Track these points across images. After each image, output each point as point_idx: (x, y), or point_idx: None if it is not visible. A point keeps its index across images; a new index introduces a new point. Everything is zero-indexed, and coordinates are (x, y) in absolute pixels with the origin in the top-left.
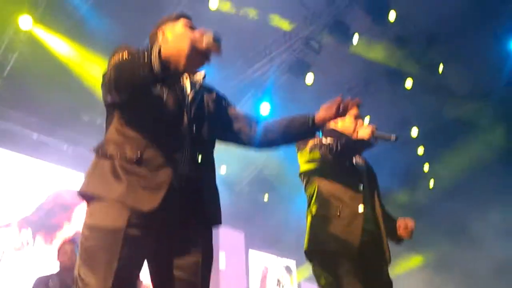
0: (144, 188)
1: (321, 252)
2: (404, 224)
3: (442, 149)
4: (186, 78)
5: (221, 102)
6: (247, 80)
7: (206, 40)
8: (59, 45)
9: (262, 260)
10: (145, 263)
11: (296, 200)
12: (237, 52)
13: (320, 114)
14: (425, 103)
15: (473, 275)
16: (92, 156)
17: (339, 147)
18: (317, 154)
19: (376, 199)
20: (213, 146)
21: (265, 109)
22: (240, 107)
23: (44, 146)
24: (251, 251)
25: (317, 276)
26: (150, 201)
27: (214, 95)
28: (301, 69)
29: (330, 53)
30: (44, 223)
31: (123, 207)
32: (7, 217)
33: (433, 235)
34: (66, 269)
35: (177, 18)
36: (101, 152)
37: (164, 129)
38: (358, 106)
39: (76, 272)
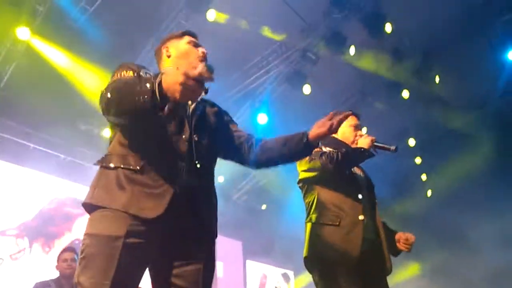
0: (148, 196)
1: (320, 260)
2: (404, 237)
3: (438, 160)
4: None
5: (223, 117)
6: (244, 90)
7: (199, 70)
8: (56, 56)
9: (259, 269)
10: (147, 271)
11: (294, 209)
12: (234, 63)
13: (314, 131)
14: (421, 114)
15: (469, 283)
16: (88, 166)
17: (339, 157)
18: (317, 163)
19: (376, 209)
20: (214, 158)
21: (262, 120)
22: (237, 118)
23: (40, 156)
24: (248, 261)
25: (316, 284)
26: (154, 209)
27: (216, 109)
28: (298, 80)
29: (327, 65)
30: (42, 231)
31: (123, 216)
32: (3, 225)
33: (430, 244)
34: (65, 277)
35: (182, 35)
36: (105, 164)
37: (166, 140)
38: (357, 116)
39: (75, 279)
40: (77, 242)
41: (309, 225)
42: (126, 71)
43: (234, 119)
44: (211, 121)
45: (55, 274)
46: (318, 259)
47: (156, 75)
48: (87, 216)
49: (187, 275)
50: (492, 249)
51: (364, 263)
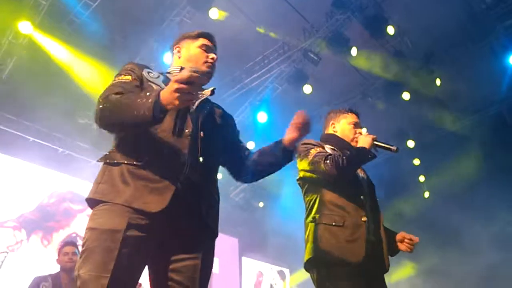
0: (151, 191)
1: (325, 262)
2: (409, 237)
3: (436, 161)
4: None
5: (231, 122)
6: (245, 89)
7: (186, 73)
8: (57, 50)
9: (255, 267)
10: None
11: (291, 207)
12: (236, 61)
13: (286, 137)
14: (421, 116)
15: (464, 283)
16: (86, 160)
17: (344, 163)
18: (321, 166)
19: (378, 209)
20: (219, 157)
21: (262, 118)
22: (237, 115)
23: (39, 149)
24: (244, 258)
25: (319, 285)
26: (158, 203)
27: (221, 111)
28: (299, 79)
29: (328, 65)
30: (42, 224)
31: (125, 210)
32: (1, 217)
33: (426, 244)
34: (66, 270)
35: (197, 37)
36: (109, 160)
37: (169, 135)
38: (357, 114)
39: (76, 272)
40: (74, 235)
41: (311, 225)
42: (125, 75)
43: (234, 117)
44: (217, 122)
45: (53, 267)
46: (322, 261)
47: (153, 91)
48: (87, 212)
49: (185, 270)
50: (486, 250)
51: (366, 264)
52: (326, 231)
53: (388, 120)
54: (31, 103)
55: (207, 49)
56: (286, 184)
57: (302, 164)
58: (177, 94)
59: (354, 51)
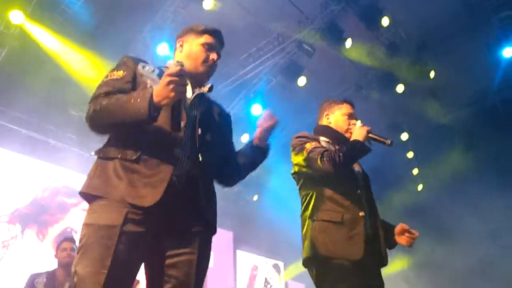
0: (145, 185)
1: (324, 260)
2: (408, 229)
3: (430, 154)
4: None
5: (228, 121)
6: (239, 81)
7: (176, 67)
8: (49, 41)
9: (250, 260)
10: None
11: (285, 201)
12: (229, 53)
13: (255, 135)
14: (415, 109)
15: (457, 275)
16: (80, 153)
17: (341, 159)
18: (317, 163)
19: (374, 203)
20: (216, 152)
21: (256, 111)
22: (231, 108)
23: (32, 142)
24: (239, 251)
25: (318, 282)
26: (151, 196)
27: (219, 109)
28: (293, 71)
29: (322, 57)
30: (36, 219)
31: (121, 205)
32: None
33: (420, 237)
34: (64, 266)
35: (202, 33)
36: (103, 154)
37: (163, 130)
38: (352, 105)
39: (73, 268)
40: (68, 229)
41: (309, 222)
42: (117, 70)
43: (229, 109)
44: (216, 119)
45: (49, 261)
46: (321, 259)
47: (146, 90)
48: (81, 206)
49: (181, 265)
50: (479, 243)
51: (365, 260)
52: (324, 228)
53: (382, 112)
54: (23, 94)
55: (209, 48)
56: (280, 177)
57: (297, 159)
58: (171, 86)
59: (348, 42)
